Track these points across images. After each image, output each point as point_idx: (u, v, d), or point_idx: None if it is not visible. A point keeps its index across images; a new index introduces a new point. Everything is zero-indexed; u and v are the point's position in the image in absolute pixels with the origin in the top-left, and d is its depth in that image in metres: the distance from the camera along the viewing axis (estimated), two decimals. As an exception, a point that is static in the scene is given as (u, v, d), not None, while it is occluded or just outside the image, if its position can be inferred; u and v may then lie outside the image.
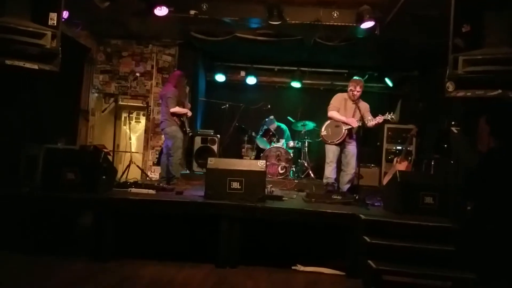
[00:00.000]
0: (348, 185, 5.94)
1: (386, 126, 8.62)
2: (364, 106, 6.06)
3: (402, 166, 6.98)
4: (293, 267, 4.40)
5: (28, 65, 4.07)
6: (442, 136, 6.70)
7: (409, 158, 7.57)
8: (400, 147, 8.25)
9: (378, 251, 3.98)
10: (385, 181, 6.49)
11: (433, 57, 7.31)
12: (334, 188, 5.97)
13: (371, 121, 5.79)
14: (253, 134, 8.54)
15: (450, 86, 3.87)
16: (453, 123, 4.84)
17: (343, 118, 5.98)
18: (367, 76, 9.12)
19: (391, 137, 8.58)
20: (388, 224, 4.21)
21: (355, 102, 5.94)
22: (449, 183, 4.63)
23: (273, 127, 8.45)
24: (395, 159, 7.39)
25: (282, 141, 8.32)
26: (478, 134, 4.54)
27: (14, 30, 3.94)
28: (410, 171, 6.99)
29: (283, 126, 8.85)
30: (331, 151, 6.04)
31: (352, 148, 5.97)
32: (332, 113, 6.09)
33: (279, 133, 8.54)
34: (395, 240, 4.03)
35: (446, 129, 5.90)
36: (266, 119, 8.49)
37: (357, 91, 5.94)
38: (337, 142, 5.99)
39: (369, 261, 3.92)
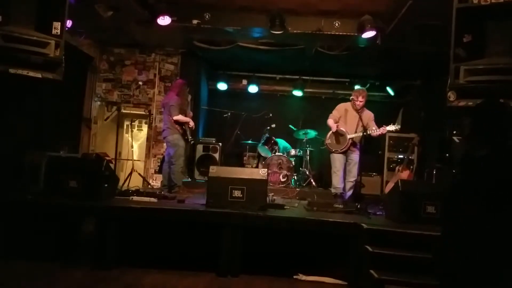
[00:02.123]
0: (349, 193, 5.98)
1: (388, 134, 8.61)
2: (368, 115, 6.09)
3: (404, 175, 6.98)
4: (294, 277, 4.38)
5: (31, 73, 4.09)
6: (444, 145, 6.70)
7: (411, 167, 7.57)
8: (402, 156, 8.23)
9: (380, 260, 3.97)
10: (387, 190, 6.48)
11: (435, 66, 7.34)
12: (343, 199, 5.96)
13: (375, 131, 5.79)
14: (249, 142, 8.60)
15: (451, 96, 3.88)
16: (454, 132, 4.85)
17: (333, 126, 6.06)
18: (368, 85, 9.18)
19: (392, 145, 8.57)
20: (390, 233, 4.19)
21: (358, 112, 5.96)
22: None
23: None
24: (397, 168, 7.40)
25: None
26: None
27: (18, 39, 3.98)
28: (412, 180, 6.98)
29: (279, 140, 8.79)
30: (337, 160, 6.09)
31: (355, 157, 6.01)
32: (328, 120, 6.21)
33: None
34: (398, 249, 4.02)
35: (448, 138, 5.91)
36: (272, 126, 8.52)
37: (360, 101, 5.97)
38: (341, 150, 6.04)
39: (371, 271, 3.90)
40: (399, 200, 4.64)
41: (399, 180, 4.86)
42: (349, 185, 6.04)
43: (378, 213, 5.24)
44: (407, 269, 3.89)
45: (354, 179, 5.99)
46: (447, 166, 6.14)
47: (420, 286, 3.80)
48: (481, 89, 3.73)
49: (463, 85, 3.81)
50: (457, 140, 4.45)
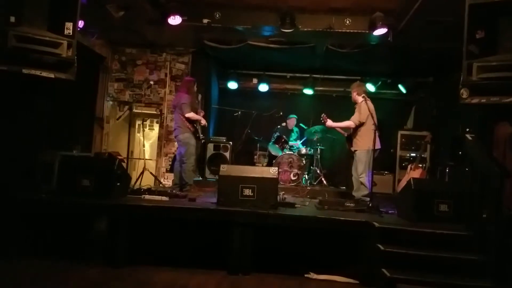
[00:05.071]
0: (361, 192, 5.78)
1: (400, 132, 8.57)
2: (356, 107, 6.01)
3: (416, 173, 6.92)
4: (305, 275, 4.37)
5: (44, 74, 4.15)
6: (457, 143, 6.63)
7: (423, 165, 7.50)
8: (414, 154, 8.17)
9: (392, 259, 3.94)
10: (399, 188, 6.43)
11: (448, 63, 7.27)
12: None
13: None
14: (260, 140, 8.66)
15: (464, 93, 3.84)
16: (467, 129, 4.79)
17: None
18: (380, 83, 9.11)
19: (405, 143, 8.52)
20: (402, 232, 4.17)
21: (355, 106, 6.05)
22: (464, 190, 4.57)
23: (292, 122, 8.67)
24: (409, 166, 7.33)
25: (298, 142, 8.42)
26: (494, 141, 4.48)
27: (31, 40, 4.03)
28: (424, 178, 6.92)
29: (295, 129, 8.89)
30: None
31: (357, 153, 5.89)
32: None
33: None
34: (410, 248, 3.98)
35: (461, 135, 5.85)
36: (282, 124, 8.53)
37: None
38: (348, 148, 6.15)
39: (383, 270, 3.87)
40: (411, 199, 4.60)
41: (411, 179, 4.82)
42: (356, 183, 5.94)
43: (390, 211, 5.21)
44: (419, 268, 3.87)
45: (359, 176, 5.80)
46: (460, 164, 6.07)
47: (433, 285, 3.77)
48: (494, 86, 3.69)
49: (476, 82, 3.77)
50: (470, 138, 4.39)
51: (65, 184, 4.86)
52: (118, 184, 4.98)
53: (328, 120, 6.11)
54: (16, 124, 4.73)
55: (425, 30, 6.24)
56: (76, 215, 4.65)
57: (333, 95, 9.70)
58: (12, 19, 3.97)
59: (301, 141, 8.59)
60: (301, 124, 8.77)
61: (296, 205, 5.19)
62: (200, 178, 8.07)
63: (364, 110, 5.76)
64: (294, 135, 8.68)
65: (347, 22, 6.44)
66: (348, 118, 6.02)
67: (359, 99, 5.95)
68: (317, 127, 8.15)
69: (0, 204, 4.36)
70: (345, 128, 6.20)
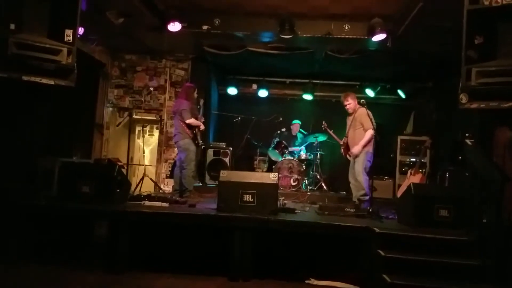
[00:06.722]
0: (361, 197, 5.79)
1: (400, 138, 8.56)
2: (358, 115, 5.90)
3: (416, 178, 6.91)
4: (306, 281, 4.35)
5: (44, 80, 4.16)
6: (456, 147, 6.63)
7: (423, 170, 7.49)
8: (414, 159, 8.16)
9: (392, 264, 3.93)
10: (399, 193, 6.43)
11: (447, 68, 7.28)
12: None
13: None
14: (260, 145, 8.69)
15: (463, 98, 3.85)
16: (467, 134, 4.80)
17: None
18: (379, 88, 9.12)
19: (404, 148, 8.50)
20: (403, 237, 4.15)
21: (351, 115, 6.02)
22: (464, 195, 4.57)
23: (296, 127, 8.67)
24: (409, 171, 7.33)
25: (303, 147, 8.40)
26: (493, 146, 4.48)
27: (31, 47, 4.05)
28: (424, 183, 6.91)
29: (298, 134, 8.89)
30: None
31: (357, 159, 5.90)
32: None
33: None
34: (410, 253, 3.97)
35: (461, 140, 5.85)
36: (282, 130, 8.54)
37: (346, 104, 6.03)
38: (346, 157, 6.15)
39: (384, 275, 3.86)
40: (411, 204, 4.59)
41: (411, 184, 4.81)
42: (354, 188, 5.94)
43: (390, 217, 5.19)
44: (420, 273, 3.85)
45: (357, 175, 5.79)
46: (460, 169, 6.06)
47: (434, 291, 3.76)
48: (494, 91, 3.70)
49: (475, 87, 3.78)
50: (469, 143, 4.39)
51: (65, 190, 4.87)
52: (118, 190, 4.98)
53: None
54: (16, 130, 4.74)
55: (424, 35, 6.26)
56: (76, 220, 4.65)
57: (332, 100, 9.68)
58: (12, 26, 3.99)
59: (304, 146, 8.54)
60: (300, 130, 8.78)
61: (296, 211, 5.18)
62: (200, 184, 8.06)
63: (369, 114, 5.79)
64: (298, 141, 8.65)
65: (346, 28, 6.48)
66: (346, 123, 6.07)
67: (358, 106, 5.98)
68: (319, 137, 8.18)
69: (1, 209, 4.36)
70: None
